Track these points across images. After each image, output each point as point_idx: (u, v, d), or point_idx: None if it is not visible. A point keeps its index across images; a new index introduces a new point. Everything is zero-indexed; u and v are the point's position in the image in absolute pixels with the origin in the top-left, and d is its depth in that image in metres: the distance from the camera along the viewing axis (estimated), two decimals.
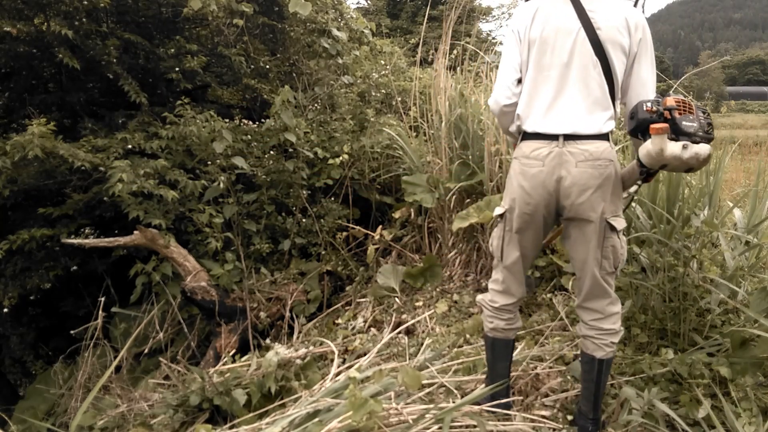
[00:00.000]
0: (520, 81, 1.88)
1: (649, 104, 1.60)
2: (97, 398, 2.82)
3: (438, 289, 3.35)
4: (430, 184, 3.57)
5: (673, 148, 1.54)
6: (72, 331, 3.28)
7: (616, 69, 1.74)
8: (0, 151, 2.93)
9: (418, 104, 4.14)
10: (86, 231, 3.91)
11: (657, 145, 1.56)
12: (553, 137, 1.76)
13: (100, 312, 3.06)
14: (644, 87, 1.76)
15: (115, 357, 3.10)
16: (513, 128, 1.91)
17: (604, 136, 1.75)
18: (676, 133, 1.55)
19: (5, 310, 4.03)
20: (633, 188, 1.85)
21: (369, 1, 18.14)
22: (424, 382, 2.24)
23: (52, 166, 3.17)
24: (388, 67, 4.97)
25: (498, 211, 1.94)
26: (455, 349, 2.67)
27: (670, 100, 1.58)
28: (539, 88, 1.81)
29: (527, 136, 1.83)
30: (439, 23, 5.16)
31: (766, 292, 2.20)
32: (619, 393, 2.16)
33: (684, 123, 1.55)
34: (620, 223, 1.79)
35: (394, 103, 4.62)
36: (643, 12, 1.90)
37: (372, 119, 4.30)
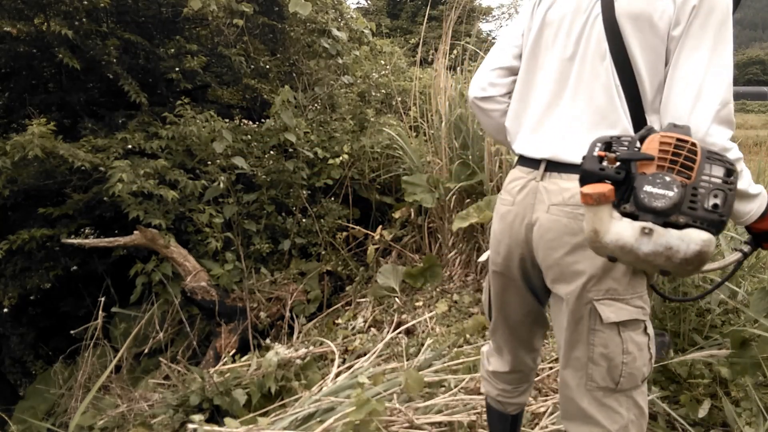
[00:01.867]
0: (510, 70, 1.32)
1: (607, 145, 0.94)
2: (97, 398, 2.82)
3: (438, 289, 3.35)
4: (430, 184, 3.56)
5: (621, 231, 0.87)
6: (72, 331, 3.27)
7: (637, 59, 1.06)
8: (0, 151, 2.93)
9: (418, 104, 4.14)
10: (86, 231, 3.91)
11: (589, 223, 0.91)
12: (536, 163, 1.19)
13: (100, 312, 3.06)
14: (691, 90, 1.01)
15: (115, 357, 3.10)
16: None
17: None
18: (637, 206, 0.87)
19: (5, 310, 4.03)
20: (734, 256, 1.15)
21: (369, 1, 18.14)
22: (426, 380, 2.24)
23: (52, 166, 3.17)
24: (388, 67, 4.97)
25: (483, 257, 1.41)
26: (455, 349, 2.67)
27: (652, 142, 0.90)
28: (531, 94, 1.24)
29: (518, 158, 1.28)
30: (439, 23, 5.16)
31: (766, 292, 2.20)
32: None
33: (647, 188, 0.86)
34: (621, 313, 1.07)
35: (394, 103, 4.61)
36: None
37: (372, 119, 4.31)
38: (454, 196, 3.50)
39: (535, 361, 1.43)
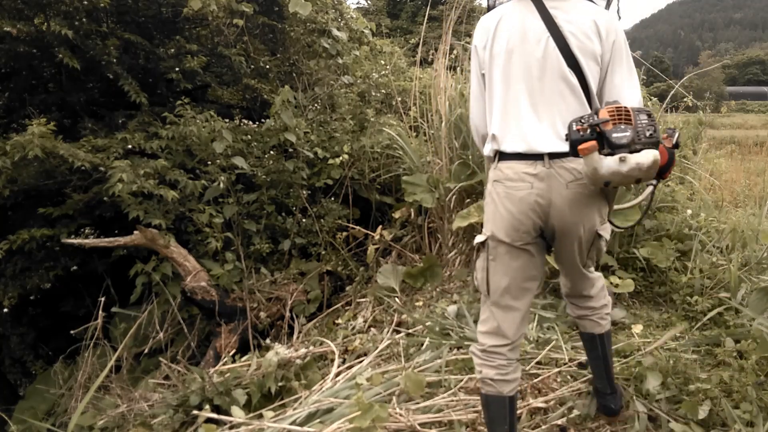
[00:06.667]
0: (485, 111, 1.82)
1: (580, 122, 1.47)
2: (97, 398, 2.82)
3: (438, 289, 3.35)
4: (430, 184, 3.56)
5: (609, 164, 1.43)
6: (72, 331, 3.27)
7: (589, 79, 1.64)
8: (0, 151, 2.93)
9: (418, 104, 4.14)
10: (86, 231, 3.90)
11: (589, 166, 1.45)
12: (538, 157, 1.63)
13: (100, 312, 3.06)
14: (619, 96, 1.64)
15: (114, 356, 3.09)
16: (487, 150, 1.77)
17: None
18: (611, 147, 1.43)
19: (5, 310, 4.02)
20: (648, 190, 1.67)
21: (369, 1, 18.13)
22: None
23: (52, 166, 3.17)
24: (388, 67, 4.97)
25: (479, 238, 1.77)
26: (455, 349, 2.67)
27: (603, 112, 1.47)
28: (512, 105, 1.68)
29: (506, 156, 1.69)
30: (439, 23, 5.15)
31: (766, 292, 2.20)
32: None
33: (614, 135, 1.43)
34: (607, 231, 1.75)
35: (394, 103, 4.61)
36: (619, 18, 1.80)
37: (372, 119, 4.31)
38: (454, 196, 3.50)
39: (524, 331, 1.82)
